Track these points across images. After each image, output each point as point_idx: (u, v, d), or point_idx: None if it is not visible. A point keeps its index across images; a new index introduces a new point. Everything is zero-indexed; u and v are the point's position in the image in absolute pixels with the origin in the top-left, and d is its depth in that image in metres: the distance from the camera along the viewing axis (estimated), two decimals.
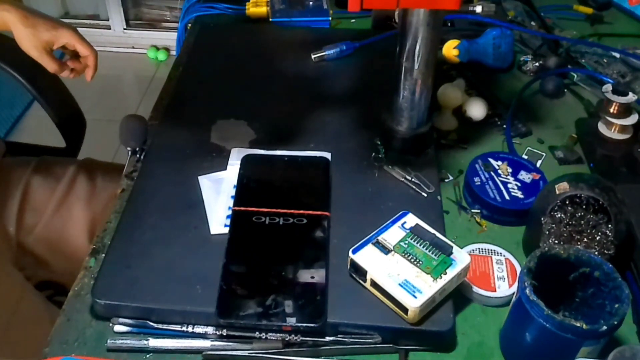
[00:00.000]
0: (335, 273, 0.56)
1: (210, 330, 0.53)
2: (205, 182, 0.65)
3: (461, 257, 0.55)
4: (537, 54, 0.88)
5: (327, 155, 0.67)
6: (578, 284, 0.52)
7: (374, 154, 0.68)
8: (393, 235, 0.56)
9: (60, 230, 0.82)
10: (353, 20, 0.97)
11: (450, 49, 0.83)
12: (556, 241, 0.58)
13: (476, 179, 0.67)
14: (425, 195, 0.64)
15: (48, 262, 0.82)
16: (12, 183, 0.82)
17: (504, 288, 0.57)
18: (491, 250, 0.61)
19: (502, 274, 0.59)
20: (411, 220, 0.58)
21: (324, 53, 0.84)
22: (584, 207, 0.58)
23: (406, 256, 0.55)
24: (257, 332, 0.53)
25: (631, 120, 0.72)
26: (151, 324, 0.54)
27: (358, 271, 0.55)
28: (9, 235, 0.80)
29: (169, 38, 2.35)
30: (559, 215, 0.58)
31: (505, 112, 0.78)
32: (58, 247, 0.82)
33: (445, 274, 0.53)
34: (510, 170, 0.68)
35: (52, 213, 0.82)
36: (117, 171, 0.88)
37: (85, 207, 0.83)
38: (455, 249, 0.55)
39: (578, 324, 0.46)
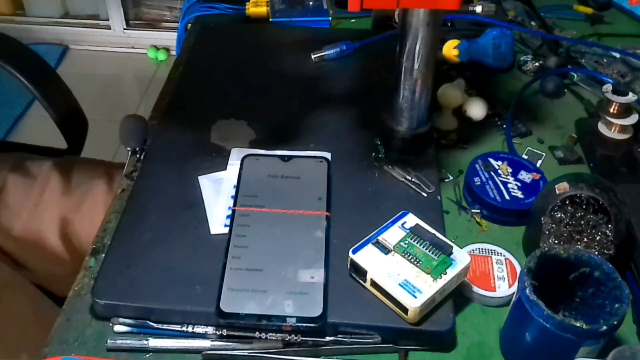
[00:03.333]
0: (335, 273, 0.56)
1: (210, 330, 0.53)
2: (205, 182, 0.65)
3: (461, 257, 0.55)
4: (537, 54, 0.88)
5: (327, 155, 0.67)
6: (578, 284, 0.52)
7: (374, 154, 0.68)
8: (393, 235, 0.56)
9: (38, 231, 0.81)
10: (353, 20, 0.97)
11: (450, 49, 0.83)
12: (556, 241, 0.58)
13: (476, 179, 0.67)
14: (425, 195, 0.64)
15: (27, 264, 0.81)
16: None
17: (504, 288, 0.57)
18: (491, 250, 0.61)
19: (502, 274, 0.59)
20: (411, 220, 0.58)
21: (324, 53, 0.84)
22: (584, 207, 0.58)
23: (406, 256, 0.55)
24: (257, 332, 0.53)
25: (631, 120, 0.72)
26: (151, 323, 0.54)
27: (358, 271, 0.55)
28: None
29: (169, 38, 2.35)
30: (559, 215, 0.58)
31: (505, 112, 0.78)
32: (36, 249, 0.81)
33: (445, 274, 0.53)
34: (510, 170, 0.68)
35: (28, 214, 0.81)
36: (95, 166, 0.88)
37: (58, 206, 0.81)
38: (455, 249, 0.55)
39: (578, 324, 0.46)
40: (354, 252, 0.55)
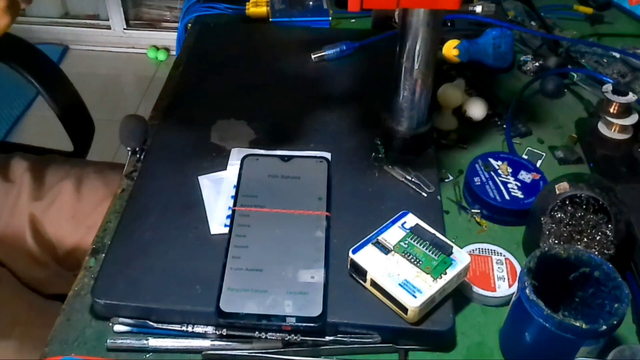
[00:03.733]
0: (335, 273, 0.56)
1: (210, 330, 0.53)
2: (205, 182, 0.65)
3: (461, 257, 0.55)
4: (537, 54, 0.88)
5: (327, 155, 0.67)
6: (578, 284, 0.52)
7: (374, 154, 0.68)
8: (393, 235, 0.56)
9: (18, 232, 0.80)
10: (353, 20, 0.97)
11: (450, 49, 0.83)
12: (556, 241, 0.58)
13: (476, 179, 0.67)
14: (425, 195, 0.64)
15: (11, 267, 0.81)
16: None
17: (504, 288, 0.57)
18: (491, 250, 0.61)
19: (502, 274, 0.59)
20: (411, 220, 0.58)
21: (324, 53, 0.84)
22: (584, 207, 0.58)
23: (406, 256, 0.55)
24: (256, 332, 0.53)
25: (631, 120, 0.72)
26: (151, 323, 0.54)
27: (358, 271, 0.55)
28: None
29: (169, 38, 2.35)
30: (559, 215, 0.58)
31: (505, 112, 0.78)
32: (17, 251, 0.80)
33: (445, 273, 0.53)
34: (510, 170, 0.68)
35: (8, 215, 0.80)
36: (66, 167, 0.87)
37: (30, 208, 0.81)
38: (455, 249, 0.55)
39: (578, 324, 0.46)
40: (354, 252, 0.55)
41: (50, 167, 0.86)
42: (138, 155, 0.69)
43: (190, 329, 0.54)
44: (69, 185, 0.83)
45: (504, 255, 0.60)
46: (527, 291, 0.48)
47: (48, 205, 0.81)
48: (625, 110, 0.72)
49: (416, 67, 0.62)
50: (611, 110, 0.72)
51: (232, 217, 0.60)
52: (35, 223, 0.81)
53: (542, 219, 0.59)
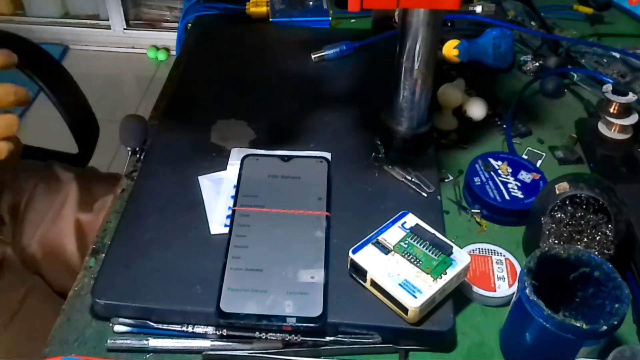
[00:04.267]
0: (335, 273, 0.56)
1: (210, 330, 0.53)
2: (205, 182, 0.65)
3: (461, 257, 0.55)
4: (537, 54, 0.88)
5: (327, 155, 0.67)
6: (578, 284, 0.52)
7: (374, 154, 0.68)
8: (393, 235, 0.56)
9: (56, 241, 0.81)
10: (353, 20, 0.97)
11: (450, 49, 0.83)
12: (556, 241, 0.58)
13: (476, 179, 0.67)
14: (425, 195, 0.64)
15: (47, 276, 0.81)
16: (20, 189, 0.81)
17: (504, 288, 0.57)
18: (491, 250, 0.61)
19: (502, 274, 0.59)
20: (411, 220, 0.58)
21: (324, 53, 0.84)
22: (584, 207, 0.58)
23: (406, 256, 0.55)
24: (257, 332, 0.53)
25: (631, 120, 0.72)
26: (151, 324, 0.54)
27: (358, 271, 0.55)
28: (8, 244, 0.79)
29: (169, 38, 2.35)
30: (559, 215, 0.58)
31: (505, 112, 0.78)
32: (56, 260, 0.81)
33: (445, 274, 0.53)
34: (510, 170, 0.68)
35: (49, 224, 0.80)
36: (110, 180, 0.88)
37: (76, 215, 0.81)
38: (455, 249, 0.55)
39: (578, 324, 0.46)
40: (354, 252, 0.55)
41: (93, 180, 0.87)
42: (138, 155, 0.69)
43: (190, 329, 0.54)
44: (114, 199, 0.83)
45: (504, 255, 0.60)
46: (527, 291, 0.48)
47: (95, 216, 0.81)
48: (625, 110, 0.72)
49: (416, 67, 0.62)
50: (611, 110, 0.72)
51: (232, 217, 0.60)
52: (80, 232, 0.81)
53: (542, 219, 0.59)
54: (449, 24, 0.90)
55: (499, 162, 0.69)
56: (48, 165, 0.87)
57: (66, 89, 0.97)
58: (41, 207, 0.81)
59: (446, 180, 0.70)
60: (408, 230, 0.57)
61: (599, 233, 0.57)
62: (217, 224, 0.60)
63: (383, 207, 0.62)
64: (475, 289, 0.57)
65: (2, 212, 0.80)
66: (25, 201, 0.81)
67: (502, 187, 0.66)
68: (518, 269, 0.59)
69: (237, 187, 0.63)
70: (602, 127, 0.74)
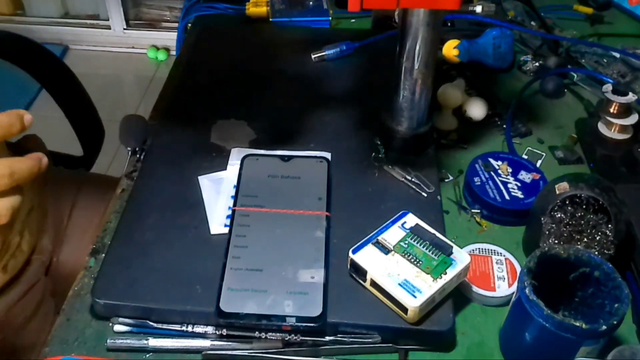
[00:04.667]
0: (335, 273, 0.56)
1: (210, 330, 0.53)
2: (205, 182, 0.65)
3: (461, 257, 0.55)
4: (537, 54, 0.88)
5: (327, 155, 0.67)
6: (578, 284, 0.52)
7: (374, 154, 0.68)
8: (393, 235, 0.56)
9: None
10: (353, 20, 0.97)
11: (450, 49, 0.83)
12: (556, 241, 0.58)
13: (476, 179, 0.67)
14: (425, 195, 0.64)
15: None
16: (61, 200, 0.77)
17: (504, 288, 0.57)
18: (491, 250, 0.61)
19: (502, 274, 0.59)
20: (411, 220, 0.58)
21: (324, 53, 0.84)
22: (584, 207, 0.58)
23: (406, 256, 0.55)
24: (256, 332, 0.53)
25: (631, 120, 0.72)
26: (151, 323, 0.54)
27: (358, 271, 0.55)
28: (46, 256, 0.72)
29: (169, 38, 2.35)
30: (559, 215, 0.58)
31: (505, 112, 0.78)
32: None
33: (445, 273, 0.53)
34: (510, 170, 0.68)
35: (89, 237, 0.75)
36: None
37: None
38: (455, 249, 0.55)
39: (578, 324, 0.46)
40: (354, 252, 0.55)
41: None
42: (138, 155, 0.69)
43: (190, 329, 0.54)
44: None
45: (504, 255, 0.60)
46: (527, 291, 0.48)
47: None
48: (625, 110, 0.72)
49: (416, 67, 0.62)
50: (611, 110, 0.72)
51: (232, 217, 0.60)
52: None
53: (542, 219, 0.59)
54: (449, 24, 0.91)
55: (499, 162, 0.69)
56: (86, 176, 0.82)
57: (71, 90, 0.96)
58: (83, 222, 0.77)
59: (446, 180, 0.70)
60: (408, 230, 0.57)
61: (599, 233, 0.57)
62: (217, 224, 0.60)
63: (383, 207, 0.62)
64: (475, 288, 0.57)
65: (48, 227, 0.74)
66: (67, 216, 0.77)
67: (502, 187, 0.66)
68: (518, 269, 0.59)
69: (237, 187, 0.63)
70: (602, 127, 0.74)
